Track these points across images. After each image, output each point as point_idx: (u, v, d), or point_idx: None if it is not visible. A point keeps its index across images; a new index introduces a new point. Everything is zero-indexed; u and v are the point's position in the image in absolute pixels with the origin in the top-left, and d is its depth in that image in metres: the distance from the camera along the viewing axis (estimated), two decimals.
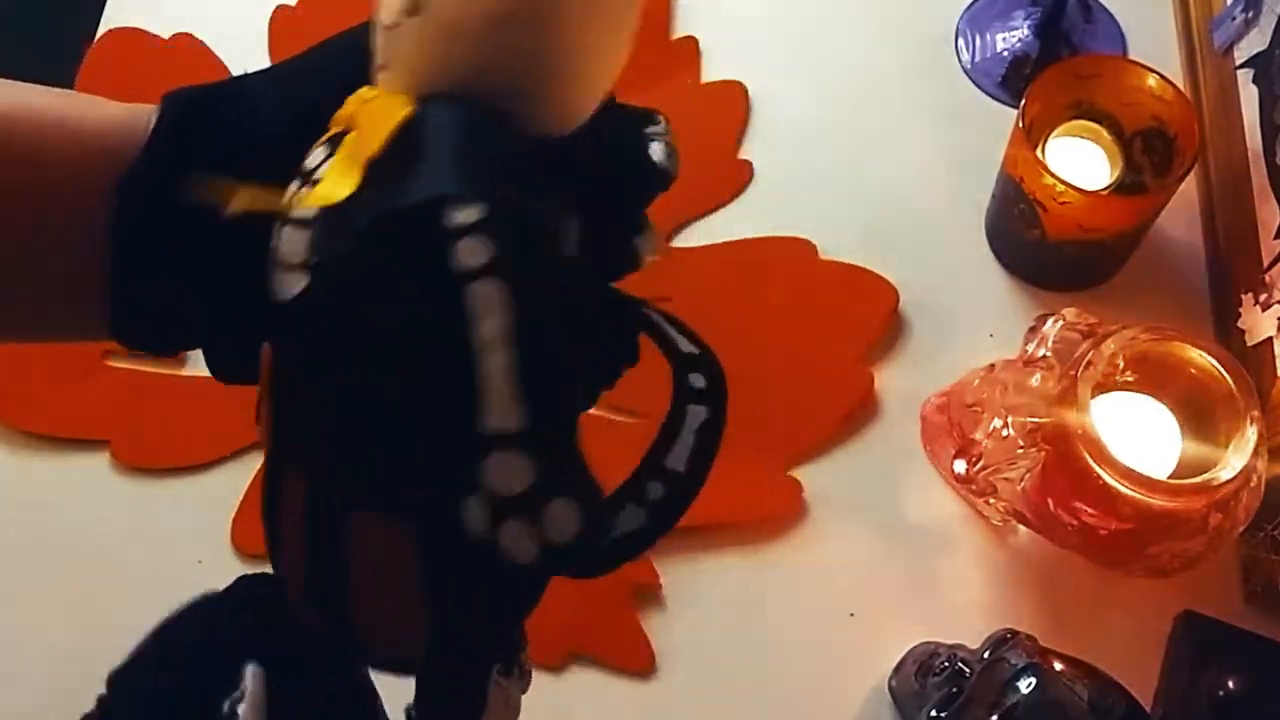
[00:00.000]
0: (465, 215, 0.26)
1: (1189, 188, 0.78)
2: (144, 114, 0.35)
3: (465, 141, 0.29)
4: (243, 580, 0.36)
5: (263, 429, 0.32)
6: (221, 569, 0.70)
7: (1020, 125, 0.68)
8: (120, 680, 0.37)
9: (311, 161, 0.31)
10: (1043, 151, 0.72)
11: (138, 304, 0.35)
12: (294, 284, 0.29)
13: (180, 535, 0.71)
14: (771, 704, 0.67)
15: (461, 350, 0.26)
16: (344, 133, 0.32)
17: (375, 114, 0.30)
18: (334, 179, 0.29)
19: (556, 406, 0.27)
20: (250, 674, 0.33)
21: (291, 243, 0.29)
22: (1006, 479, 0.63)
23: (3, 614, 0.70)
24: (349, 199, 0.29)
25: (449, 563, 0.28)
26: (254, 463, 0.72)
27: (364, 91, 0.32)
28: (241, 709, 0.32)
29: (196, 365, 0.74)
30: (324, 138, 0.32)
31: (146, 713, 0.35)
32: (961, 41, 0.85)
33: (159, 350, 0.37)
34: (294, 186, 0.31)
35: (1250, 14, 0.73)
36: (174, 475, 0.72)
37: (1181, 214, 0.77)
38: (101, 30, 0.85)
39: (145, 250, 0.34)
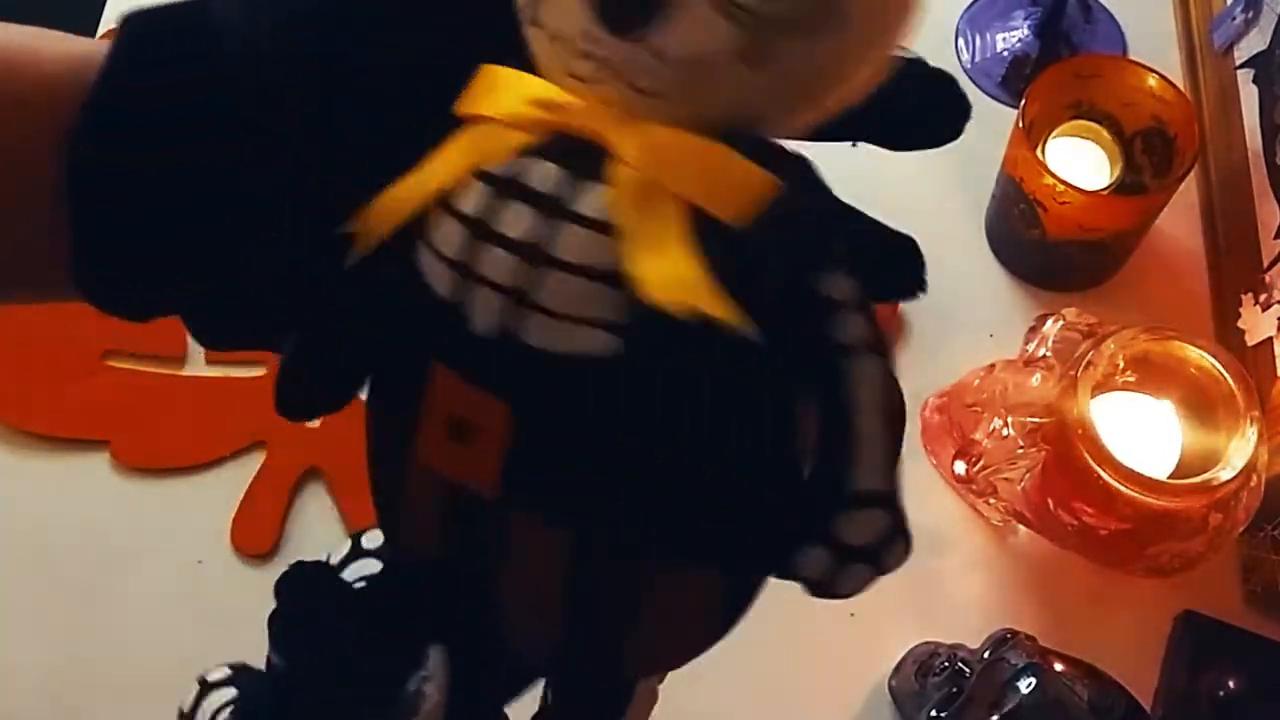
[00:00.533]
0: (833, 288, 0.30)
1: (1189, 188, 0.78)
2: (103, 51, 0.32)
3: (819, 221, 0.31)
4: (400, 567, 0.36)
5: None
6: (221, 569, 0.70)
7: (1020, 125, 0.68)
8: (286, 649, 0.36)
9: (541, 183, 0.29)
10: (1043, 151, 0.72)
11: (102, 261, 0.32)
12: (587, 342, 0.29)
13: (180, 535, 0.71)
14: (771, 704, 0.67)
15: (839, 415, 0.29)
16: (578, 146, 0.29)
17: (688, 166, 0.29)
18: (654, 242, 0.28)
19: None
20: (435, 654, 0.33)
21: (577, 297, 0.29)
22: (1006, 479, 0.63)
23: (2, 614, 0.70)
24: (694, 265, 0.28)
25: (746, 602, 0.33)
26: (254, 463, 0.72)
27: (595, 108, 0.29)
28: (428, 688, 0.33)
29: (196, 365, 0.74)
30: (534, 143, 0.30)
31: (323, 688, 0.35)
32: (961, 41, 0.85)
33: (128, 312, 0.34)
34: (525, 213, 0.29)
35: (1250, 14, 0.73)
36: (174, 475, 0.72)
37: (1181, 214, 0.77)
38: (101, 30, 0.85)
39: (104, 201, 0.31)
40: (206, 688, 0.41)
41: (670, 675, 0.69)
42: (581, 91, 0.29)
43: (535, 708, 0.38)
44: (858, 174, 0.89)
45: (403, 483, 0.33)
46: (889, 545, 0.30)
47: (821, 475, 0.30)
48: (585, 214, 0.29)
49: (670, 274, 0.28)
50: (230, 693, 0.40)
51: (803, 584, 0.31)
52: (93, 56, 0.31)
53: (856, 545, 0.29)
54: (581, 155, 0.29)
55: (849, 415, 0.29)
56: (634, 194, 0.29)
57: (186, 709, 0.41)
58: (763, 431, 0.30)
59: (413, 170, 0.31)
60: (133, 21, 0.32)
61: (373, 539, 0.40)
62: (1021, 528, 0.69)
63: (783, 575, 0.31)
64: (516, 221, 0.29)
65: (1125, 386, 0.64)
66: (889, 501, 0.30)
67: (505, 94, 0.31)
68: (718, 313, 0.27)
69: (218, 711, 0.40)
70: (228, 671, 0.41)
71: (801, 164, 0.32)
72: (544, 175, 0.29)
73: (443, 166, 0.30)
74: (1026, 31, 0.84)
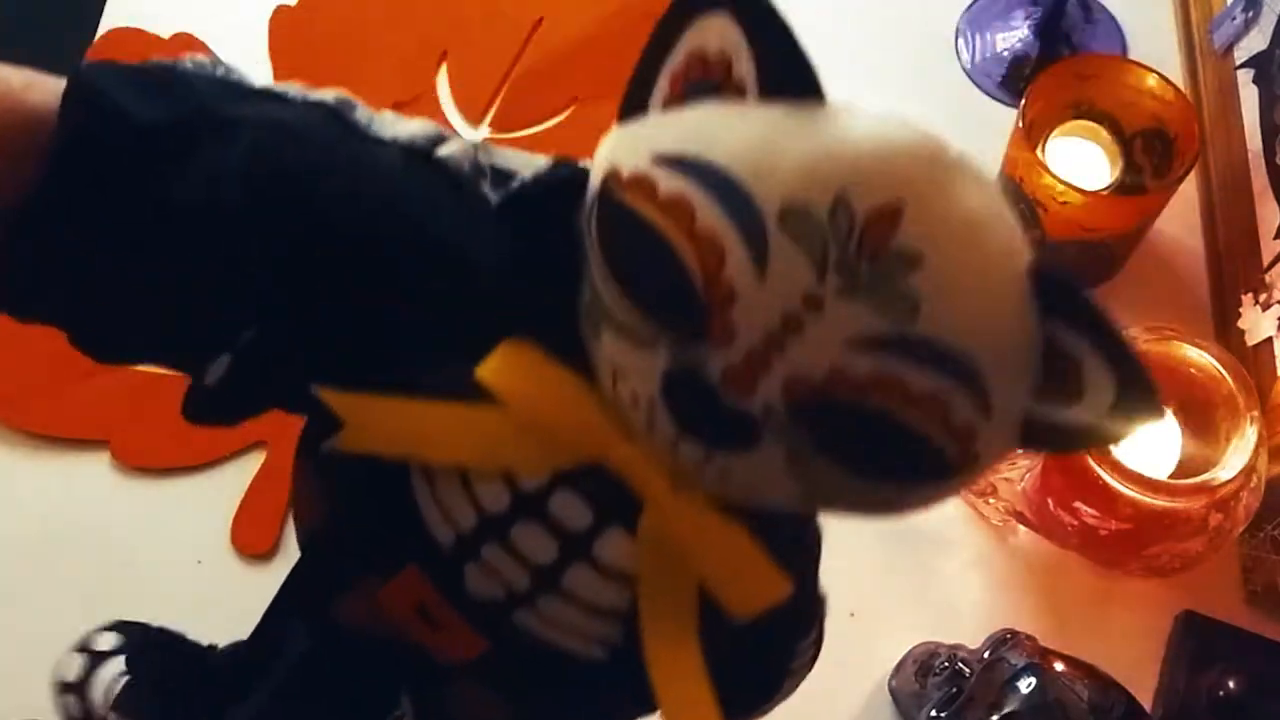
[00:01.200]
0: (806, 646, 0.38)
1: (1189, 188, 0.78)
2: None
3: (815, 588, 0.37)
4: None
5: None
6: (221, 569, 0.70)
7: (1020, 125, 0.68)
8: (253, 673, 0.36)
9: (569, 520, 0.30)
10: (1043, 151, 0.72)
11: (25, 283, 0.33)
12: (575, 646, 0.32)
13: (180, 535, 0.71)
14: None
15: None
16: (611, 486, 0.29)
17: (715, 552, 0.30)
18: (664, 613, 0.30)
19: None
20: (408, 702, 0.35)
21: (573, 623, 0.31)
22: (1006, 479, 0.63)
23: (3, 613, 0.70)
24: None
25: None
26: (254, 463, 0.72)
27: (643, 462, 0.29)
28: None
29: None
30: (571, 468, 0.29)
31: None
32: (961, 41, 0.85)
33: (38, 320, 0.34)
34: (545, 542, 0.30)
35: (1250, 14, 0.73)
36: (174, 475, 0.72)
37: (1181, 214, 0.77)
38: (101, 30, 0.85)
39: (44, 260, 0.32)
40: (96, 658, 0.42)
41: None
42: (628, 434, 0.28)
43: None
44: None
45: (348, 589, 0.34)
46: None
47: None
48: (602, 559, 0.30)
49: (671, 655, 0.30)
50: (120, 663, 0.40)
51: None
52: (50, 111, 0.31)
53: None
54: (613, 496, 0.29)
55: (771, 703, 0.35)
56: (658, 556, 0.29)
57: (72, 678, 0.41)
58: None
59: (431, 400, 0.30)
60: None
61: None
62: (1021, 528, 0.69)
63: None
64: (534, 545, 0.30)
65: None
66: None
67: (553, 390, 0.29)
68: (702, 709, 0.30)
69: (114, 682, 0.40)
70: (117, 639, 0.41)
71: (816, 539, 0.35)
72: (574, 512, 0.30)
73: (471, 438, 0.29)
74: (1026, 31, 0.84)
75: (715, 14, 0.26)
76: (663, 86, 0.28)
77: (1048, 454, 0.32)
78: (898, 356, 0.24)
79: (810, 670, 0.35)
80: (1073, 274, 0.26)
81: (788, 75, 0.26)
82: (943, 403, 0.25)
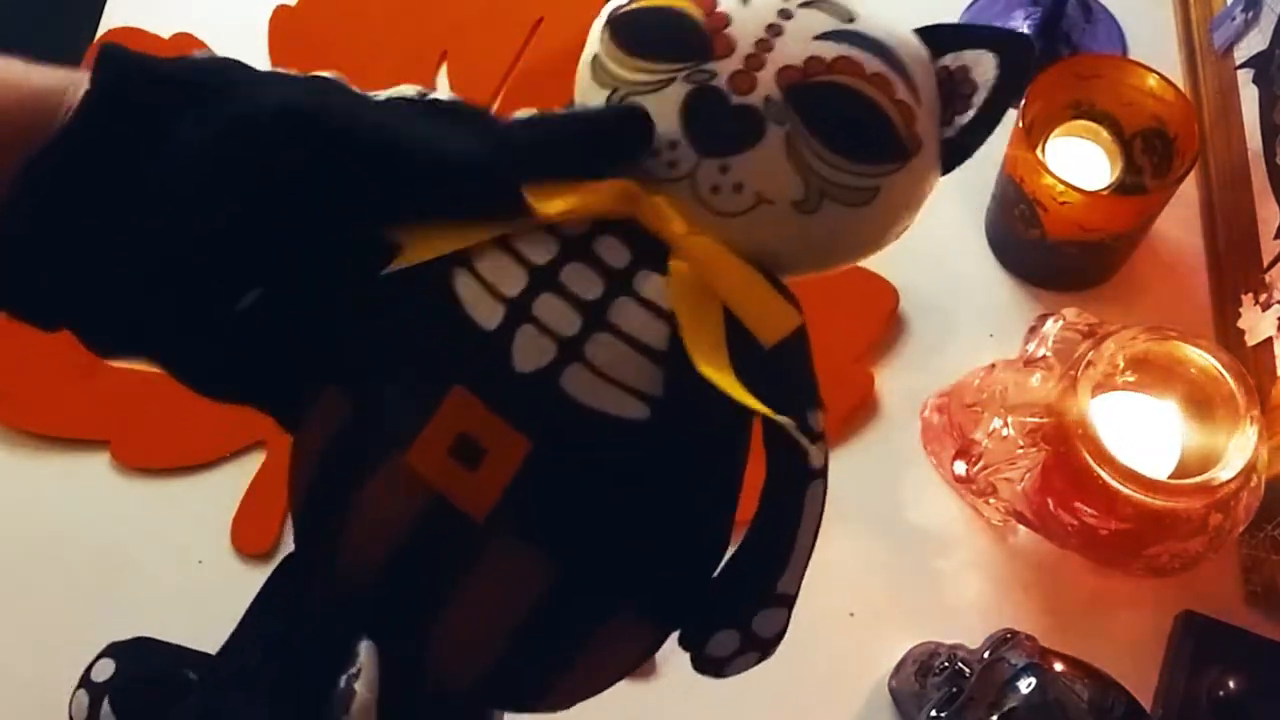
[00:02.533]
0: (817, 423, 0.37)
1: (1189, 188, 0.78)
2: (78, 85, 0.33)
3: (812, 366, 0.37)
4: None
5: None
6: (221, 569, 0.70)
7: (1020, 125, 0.68)
8: (221, 665, 0.37)
9: (612, 258, 0.34)
10: (1043, 151, 0.72)
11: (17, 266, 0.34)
12: (620, 404, 0.33)
13: (180, 535, 0.71)
14: (771, 704, 0.67)
15: (787, 525, 0.36)
16: (643, 236, 0.34)
17: (736, 281, 0.34)
18: (700, 335, 0.33)
19: None
20: (365, 649, 0.34)
21: (622, 363, 0.33)
22: (1006, 479, 0.63)
23: (3, 614, 0.70)
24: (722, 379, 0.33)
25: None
26: (254, 463, 0.72)
27: (684, 236, 0.34)
28: (358, 685, 0.33)
29: None
30: (610, 217, 0.34)
31: (252, 693, 0.35)
32: None
33: (30, 318, 0.36)
34: (593, 277, 0.33)
35: (1250, 14, 0.73)
36: (174, 475, 0.72)
37: (1181, 214, 0.77)
38: (101, 30, 0.85)
39: (38, 233, 0.33)
40: (96, 693, 0.42)
41: (670, 675, 0.69)
42: (652, 189, 0.34)
43: None
44: None
45: (368, 478, 0.33)
46: (779, 640, 0.36)
47: (759, 571, 0.36)
48: (643, 293, 0.33)
49: (715, 363, 0.33)
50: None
51: (697, 660, 0.36)
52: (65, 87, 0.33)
53: (763, 638, 0.36)
54: (646, 244, 0.34)
55: (795, 529, 0.36)
56: (688, 289, 0.34)
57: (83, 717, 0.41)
58: (729, 511, 0.36)
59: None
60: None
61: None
62: (1021, 528, 0.69)
63: (692, 644, 0.36)
64: (584, 282, 0.33)
65: (1125, 386, 0.64)
66: (792, 603, 0.36)
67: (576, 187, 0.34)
68: (752, 404, 0.33)
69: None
70: (112, 667, 0.42)
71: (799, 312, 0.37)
72: (615, 252, 0.34)
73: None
74: (1026, 31, 0.84)
75: None
76: None
77: (963, 161, 0.38)
78: (849, 43, 0.34)
79: (825, 493, 0.37)
80: (937, 25, 0.36)
81: None
82: (888, 80, 0.34)
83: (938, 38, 0.36)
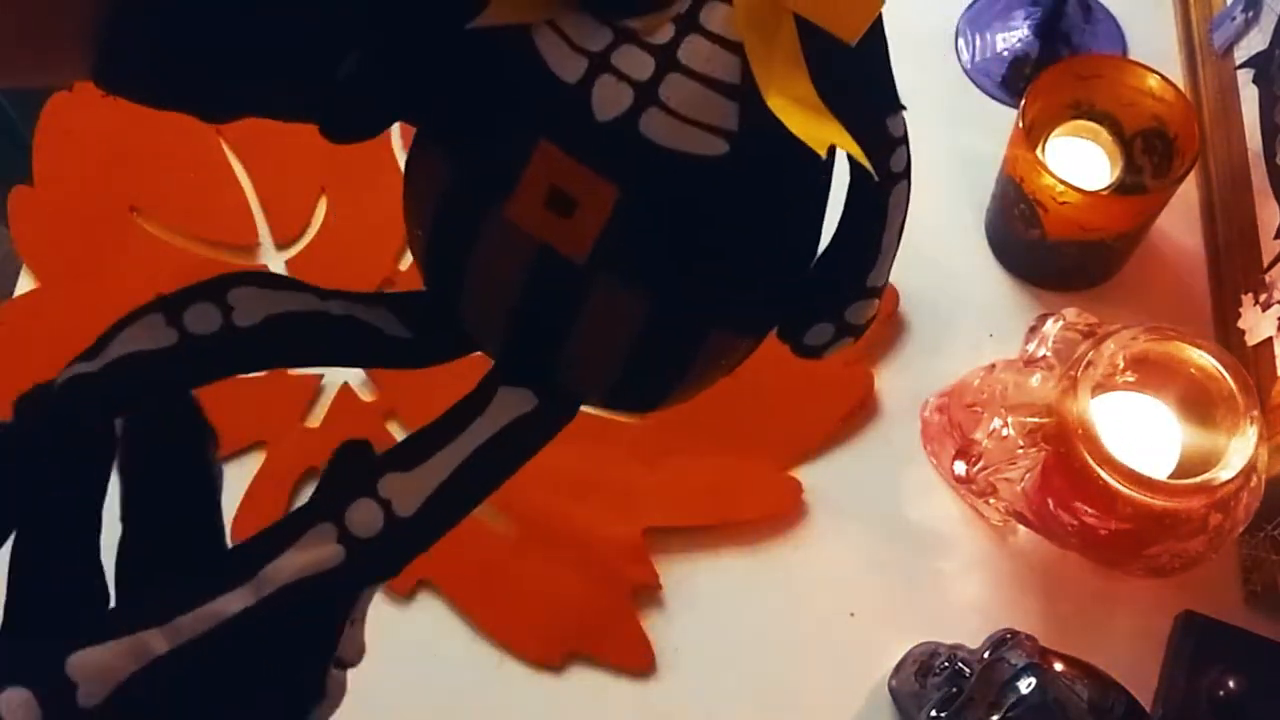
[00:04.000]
0: (898, 128, 0.35)
1: (1189, 188, 0.78)
2: None
3: (889, 66, 0.36)
4: None
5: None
6: None
7: (1020, 125, 0.68)
8: None
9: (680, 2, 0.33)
10: (1043, 151, 0.72)
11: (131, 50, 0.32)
12: (698, 143, 0.33)
13: None
14: (771, 704, 0.67)
15: (874, 227, 0.36)
16: None
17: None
18: (771, 60, 0.33)
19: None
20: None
21: (697, 102, 0.33)
22: (1006, 479, 0.63)
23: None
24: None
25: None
26: (254, 463, 0.72)
27: None
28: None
29: None
30: None
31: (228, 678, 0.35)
32: (961, 41, 0.85)
33: (150, 98, 0.34)
34: (662, 19, 0.33)
35: (1250, 14, 0.73)
36: None
37: (1181, 214, 0.77)
38: None
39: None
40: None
41: (670, 675, 0.70)
42: None
43: None
44: None
45: (477, 235, 0.35)
46: (870, 324, 0.38)
47: (848, 271, 0.36)
48: (710, 28, 0.33)
49: (788, 91, 0.32)
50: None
51: (795, 348, 0.38)
52: None
53: (855, 324, 0.37)
54: None
55: (881, 230, 0.36)
56: (754, 10, 0.33)
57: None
58: (815, 233, 0.36)
59: None
60: None
61: None
62: (1021, 528, 0.69)
63: (790, 338, 0.38)
64: (656, 30, 0.33)
65: (1125, 386, 0.64)
66: (881, 293, 0.37)
67: None
68: (828, 132, 0.32)
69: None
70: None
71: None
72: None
73: None
74: (1026, 31, 0.84)
75: None
76: None
77: None
78: None
79: (909, 195, 0.37)
80: None
81: None
82: None
83: None
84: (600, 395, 0.37)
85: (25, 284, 0.77)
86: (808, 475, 0.72)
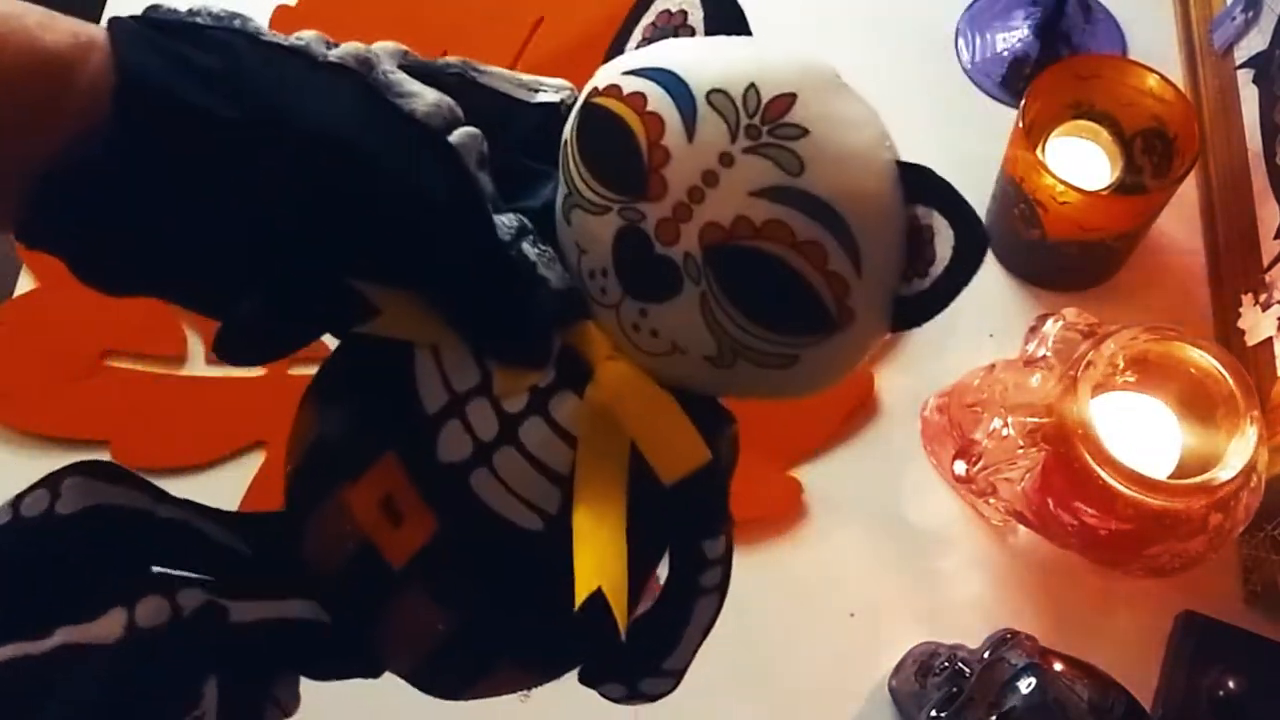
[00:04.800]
0: (714, 551, 0.39)
1: (1189, 188, 0.78)
2: (95, 46, 0.32)
3: (724, 495, 0.38)
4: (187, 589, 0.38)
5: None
6: None
7: (1020, 125, 0.68)
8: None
9: (540, 376, 0.35)
10: (1043, 151, 0.72)
11: (54, 217, 0.33)
12: (517, 513, 0.35)
13: None
14: (771, 704, 0.67)
15: (678, 623, 0.39)
16: (573, 357, 0.35)
17: (646, 415, 0.35)
18: (591, 486, 0.34)
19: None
20: (209, 690, 0.36)
21: (522, 478, 0.35)
22: (1006, 479, 0.63)
23: None
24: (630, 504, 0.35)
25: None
26: (254, 463, 0.72)
27: (605, 361, 0.35)
28: None
29: (196, 365, 0.74)
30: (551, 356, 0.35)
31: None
32: (961, 41, 0.85)
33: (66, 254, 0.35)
34: (523, 395, 0.35)
35: (1250, 14, 0.73)
36: (174, 475, 0.72)
37: (1181, 214, 0.77)
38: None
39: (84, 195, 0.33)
40: None
41: None
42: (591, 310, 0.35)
43: None
44: None
45: (321, 500, 0.37)
46: (668, 694, 0.41)
47: (648, 650, 0.39)
48: (555, 416, 0.35)
49: (597, 508, 0.34)
50: None
51: (596, 690, 0.41)
52: (91, 41, 0.32)
53: (649, 695, 0.41)
54: (573, 364, 0.35)
55: (684, 628, 0.39)
56: (596, 419, 0.34)
57: None
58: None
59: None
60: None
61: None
62: (1021, 528, 0.69)
63: (588, 683, 0.41)
64: (512, 398, 0.35)
65: (1125, 386, 0.64)
66: (680, 675, 0.40)
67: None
68: (608, 574, 0.33)
69: None
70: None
71: (731, 426, 0.38)
72: (544, 371, 0.35)
73: None
74: (1026, 31, 0.84)
75: None
76: (636, 37, 0.36)
77: (909, 329, 0.35)
78: (786, 204, 0.31)
79: (717, 610, 0.40)
80: (926, 167, 0.33)
81: (726, 19, 0.35)
82: (821, 249, 0.31)
83: (914, 181, 0.33)
84: (402, 676, 0.39)
85: (25, 284, 0.77)
86: (808, 475, 0.72)
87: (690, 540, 0.38)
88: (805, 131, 0.31)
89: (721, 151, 0.31)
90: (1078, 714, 0.56)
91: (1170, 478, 0.60)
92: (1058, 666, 0.58)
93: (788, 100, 0.32)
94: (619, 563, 0.34)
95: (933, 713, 0.59)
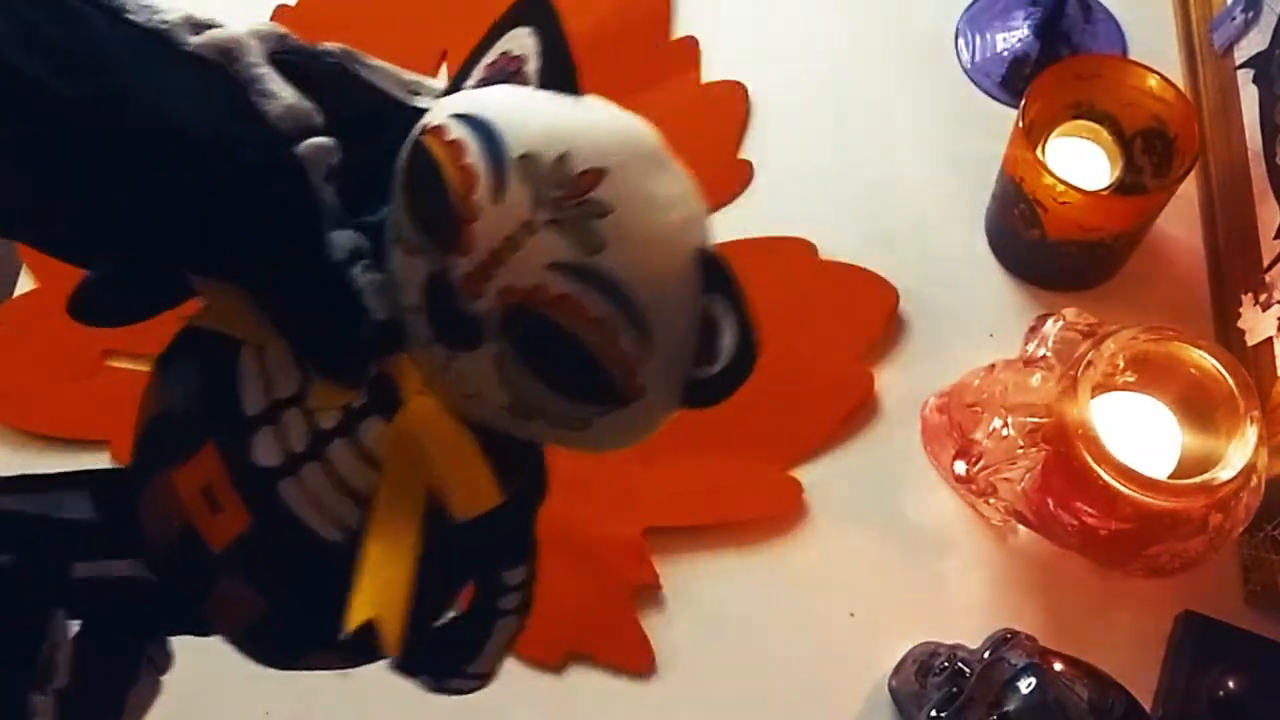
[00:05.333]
0: (514, 579, 0.42)
1: (1189, 188, 0.78)
2: None
3: (527, 527, 0.41)
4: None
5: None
6: None
7: (1020, 125, 0.68)
8: None
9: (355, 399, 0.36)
10: (1043, 151, 0.72)
11: None
12: (319, 523, 0.37)
13: None
14: (771, 704, 0.67)
15: (479, 640, 0.44)
16: (387, 383, 0.35)
17: (456, 471, 0.36)
18: (387, 513, 0.36)
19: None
20: (58, 620, 0.40)
21: (325, 493, 0.37)
22: (1006, 479, 0.63)
23: None
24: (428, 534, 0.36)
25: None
26: None
27: (415, 394, 0.36)
28: (58, 655, 0.40)
29: None
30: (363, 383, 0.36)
31: None
32: (961, 41, 0.85)
33: None
34: (336, 414, 0.36)
35: (1250, 14, 0.73)
36: None
37: (1181, 214, 0.77)
38: None
39: None
40: None
41: (670, 675, 0.70)
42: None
43: None
44: (859, 174, 0.89)
45: (153, 476, 0.39)
46: (470, 690, 0.45)
47: (452, 650, 0.43)
48: (362, 440, 0.36)
49: (390, 538, 0.35)
50: None
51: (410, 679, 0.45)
52: None
53: (456, 690, 0.45)
54: (388, 391, 0.36)
55: (485, 641, 0.43)
56: (401, 449, 0.36)
57: None
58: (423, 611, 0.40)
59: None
60: None
61: None
62: (1021, 528, 0.69)
63: (401, 673, 0.44)
64: (326, 413, 0.36)
65: (1125, 386, 0.64)
66: (485, 676, 0.45)
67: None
68: (391, 625, 0.35)
69: None
70: None
71: (536, 459, 0.40)
72: (363, 391, 0.36)
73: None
74: (1026, 31, 0.84)
75: (525, 27, 0.35)
76: (476, 74, 0.36)
77: (702, 409, 0.36)
78: (582, 282, 0.32)
79: (518, 627, 0.44)
80: (725, 260, 0.33)
81: (559, 76, 0.35)
82: (611, 328, 0.32)
83: (713, 272, 0.33)
84: (231, 639, 0.41)
85: (25, 284, 0.77)
86: (808, 475, 0.72)
87: (491, 569, 0.41)
88: (610, 210, 0.32)
89: (525, 220, 0.32)
90: (1078, 714, 0.56)
91: (1170, 478, 0.60)
92: (1058, 666, 0.58)
93: (596, 175, 0.32)
94: (398, 591, 0.35)
95: (933, 713, 0.59)
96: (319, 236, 0.34)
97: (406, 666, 0.44)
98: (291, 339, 0.36)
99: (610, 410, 0.34)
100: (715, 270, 0.33)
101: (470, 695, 0.45)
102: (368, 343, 0.35)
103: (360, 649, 0.39)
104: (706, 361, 0.34)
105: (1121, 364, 0.62)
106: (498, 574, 0.41)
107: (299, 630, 0.40)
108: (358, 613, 0.35)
